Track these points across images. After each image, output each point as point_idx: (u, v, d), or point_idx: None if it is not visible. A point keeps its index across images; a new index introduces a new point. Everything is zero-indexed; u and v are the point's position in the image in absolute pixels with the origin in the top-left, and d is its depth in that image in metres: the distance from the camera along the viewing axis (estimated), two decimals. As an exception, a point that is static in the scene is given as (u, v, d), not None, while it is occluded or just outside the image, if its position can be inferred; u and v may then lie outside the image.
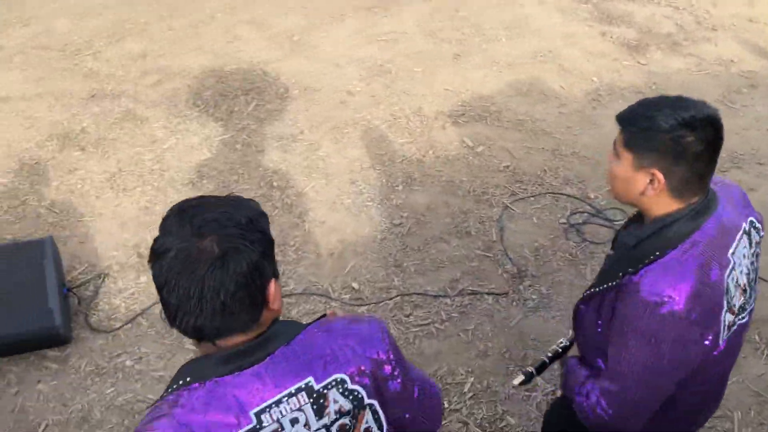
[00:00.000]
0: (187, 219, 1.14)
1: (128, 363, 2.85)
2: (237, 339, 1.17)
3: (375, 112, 4.23)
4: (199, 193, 3.63)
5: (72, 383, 2.77)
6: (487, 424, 2.66)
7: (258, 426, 1.13)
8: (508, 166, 3.86)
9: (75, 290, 3.06)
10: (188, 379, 1.15)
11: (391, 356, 1.27)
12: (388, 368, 1.26)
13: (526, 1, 5.44)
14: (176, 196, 3.63)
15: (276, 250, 1.27)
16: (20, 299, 2.76)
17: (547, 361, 1.85)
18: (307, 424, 1.17)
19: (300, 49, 4.77)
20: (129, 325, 2.99)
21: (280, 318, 1.26)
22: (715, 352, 1.51)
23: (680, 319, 1.40)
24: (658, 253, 1.43)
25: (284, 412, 1.16)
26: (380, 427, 1.26)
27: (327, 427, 1.19)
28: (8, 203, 3.55)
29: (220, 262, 1.11)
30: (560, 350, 1.89)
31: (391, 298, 3.12)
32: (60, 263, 2.99)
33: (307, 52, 4.74)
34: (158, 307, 3.07)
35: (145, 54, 4.68)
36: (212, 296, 1.11)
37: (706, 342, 1.47)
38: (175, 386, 1.16)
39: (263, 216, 1.21)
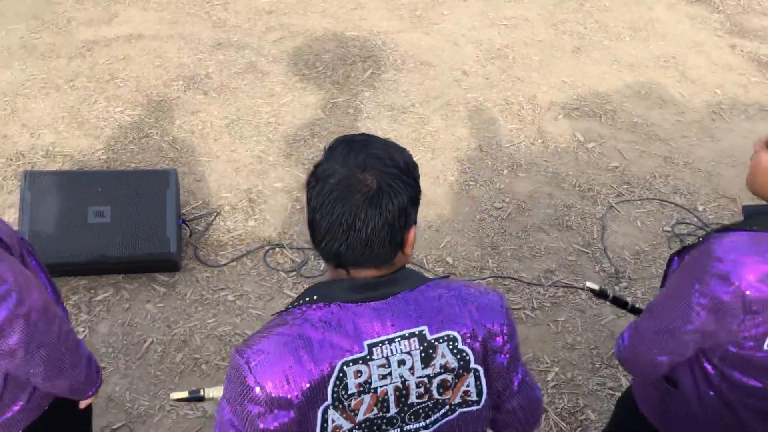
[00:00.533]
0: (355, 151, 1.21)
1: (230, 298, 3.01)
2: (369, 272, 1.23)
3: (488, 95, 4.23)
4: (310, 151, 3.77)
5: (177, 308, 2.95)
6: (566, 415, 2.67)
7: (368, 356, 1.20)
8: (617, 167, 3.81)
9: (188, 223, 3.24)
10: (315, 297, 1.23)
11: (505, 330, 1.29)
12: (499, 340, 1.28)
13: (655, 4, 5.29)
14: (288, 150, 3.77)
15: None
16: (141, 223, 2.95)
17: (628, 302, 1.87)
18: (412, 369, 1.22)
19: (421, 23, 4.81)
20: (234, 263, 3.15)
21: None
22: (759, 354, 1.46)
23: (730, 293, 1.38)
24: (756, 228, 1.42)
25: (394, 351, 1.21)
26: (479, 394, 1.28)
27: (429, 378, 1.24)
28: (134, 134, 3.77)
29: (375, 197, 1.17)
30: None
31: (484, 278, 3.16)
32: (179, 195, 3.17)
33: (427, 28, 4.78)
34: (263, 251, 3.22)
35: (272, 11, 4.83)
36: (360, 227, 1.17)
37: (744, 333, 1.42)
38: (301, 301, 1.24)
39: (416, 166, 1.27)
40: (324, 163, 1.22)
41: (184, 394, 1.61)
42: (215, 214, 3.36)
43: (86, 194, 2.95)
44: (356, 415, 1.21)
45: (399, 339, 1.21)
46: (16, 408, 1.52)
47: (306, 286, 3.09)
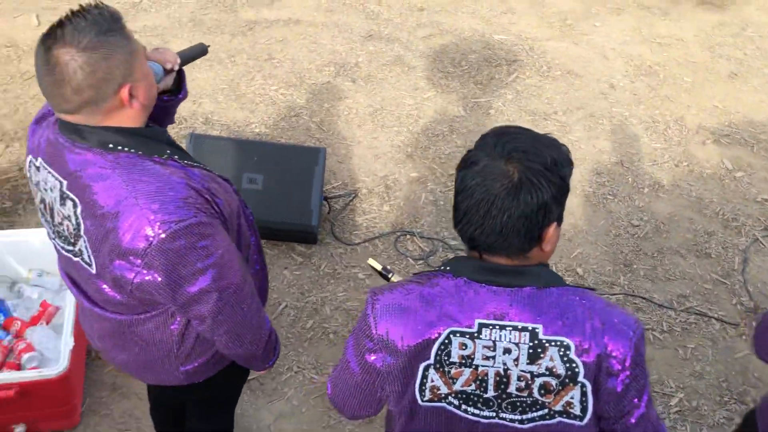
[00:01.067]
0: (502, 142, 1.25)
1: (360, 276, 3.13)
2: (500, 260, 1.27)
3: (634, 111, 4.14)
4: (448, 146, 3.84)
5: (311, 278, 3.10)
6: (688, 443, 2.60)
7: (476, 334, 1.25)
8: (766, 199, 3.63)
9: (328, 200, 3.39)
10: (447, 268, 1.31)
11: (628, 360, 1.25)
12: (615, 365, 1.25)
13: (826, 35, 4.97)
14: (426, 143, 3.86)
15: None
16: (289, 194, 3.13)
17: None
18: (516, 360, 1.25)
19: (571, 33, 4.77)
20: (367, 243, 3.27)
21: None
22: None
23: None
24: None
25: (502, 338, 1.24)
26: (583, 410, 1.27)
27: (532, 375, 1.25)
28: (285, 112, 3.99)
29: (514, 189, 1.21)
30: None
31: (614, 294, 3.11)
32: (324, 173, 3.32)
33: (576, 38, 4.73)
34: (394, 236, 3.32)
35: (424, 8, 4.94)
36: (496, 214, 1.21)
37: None
38: (436, 269, 1.33)
39: (569, 165, 1.28)
40: (473, 150, 1.29)
41: (378, 266, 1.76)
42: (353, 195, 3.50)
43: (243, 161, 3.16)
44: (454, 383, 1.27)
45: (510, 328, 1.24)
46: (201, 360, 1.66)
47: (434, 275, 3.16)
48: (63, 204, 1.43)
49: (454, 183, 1.31)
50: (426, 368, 1.27)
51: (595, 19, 4.91)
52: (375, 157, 3.75)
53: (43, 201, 1.51)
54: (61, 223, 1.46)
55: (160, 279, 1.39)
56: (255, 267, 1.71)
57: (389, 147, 3.82)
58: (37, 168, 1.48)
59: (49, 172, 1.44)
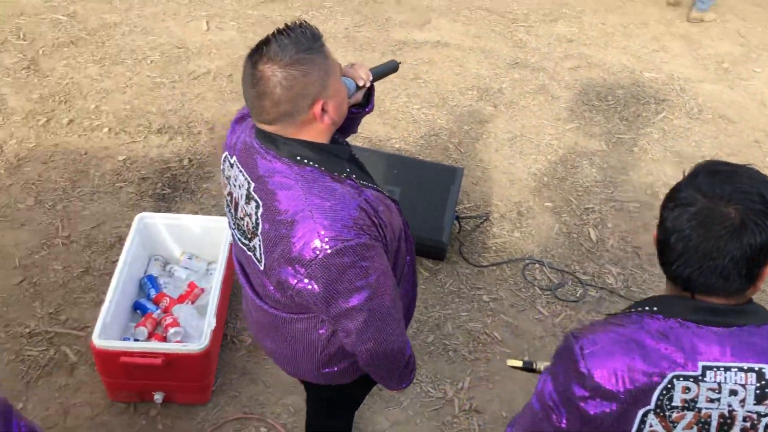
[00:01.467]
0: (719, 182, 1.22)
1: (485, 298, 3.14)
2: (716, 300, 1.24)
3: (791, 163, 3.91)
4: (587, 179, 3.78)
5: (436, 294, 3.15)
6: None
7: (700, 377, 1.21)
8: None
9: (460, 220, 3.44)
10: (655, 309, 1.27)
11: None
12: None
13: None
14: (564, 174, 3.82)
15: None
16: (423, 209, 3.20)
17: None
18: (743, 401, 1.21)
19: (727, 77, 4.57)
20: (494, 267, 3.28)
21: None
22: None
23: None
24: None
25: (728, 380, 1.21)
26: None
27: (759, 415, 1.22)
28: (425, 130, 4.09)
29: (737, 232, 1.18)
30: None
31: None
32: (458, 193, 3.38)
33: (733, 82, 4.53)
34: (522, 263, 3.31)
35: (572, 39, 4.91)
36: (716, 257, 1.19)
37: None
38: (639, 309, 1.29)
39: None
40: (684, 189, 1.25)
41: (519, 363, 1.75)
42: (485, 218, 3.52)
43: (383, 173, 3.27)
44: (674, 427, 1.24)
45: (736, 369, 1.21)
46: (342, 365, 1.75)
47: (560, 308, 3.12)
48: (247, 203, 1.55)
49: (659, 221, 1.27)
50: (645, 414, 1.24)
51: (755, 64, 4.68)
52: (510, 183, 3.76)
53: (230, 194, 1.65)
54: (242, 219, 1.59)
55: (318, 290, 1.47)
56: (406, 287, 1.77)
57: (525, 174, 3.82)
58: (231, 165, 1.63)
59: (240, 171, 1.58)
